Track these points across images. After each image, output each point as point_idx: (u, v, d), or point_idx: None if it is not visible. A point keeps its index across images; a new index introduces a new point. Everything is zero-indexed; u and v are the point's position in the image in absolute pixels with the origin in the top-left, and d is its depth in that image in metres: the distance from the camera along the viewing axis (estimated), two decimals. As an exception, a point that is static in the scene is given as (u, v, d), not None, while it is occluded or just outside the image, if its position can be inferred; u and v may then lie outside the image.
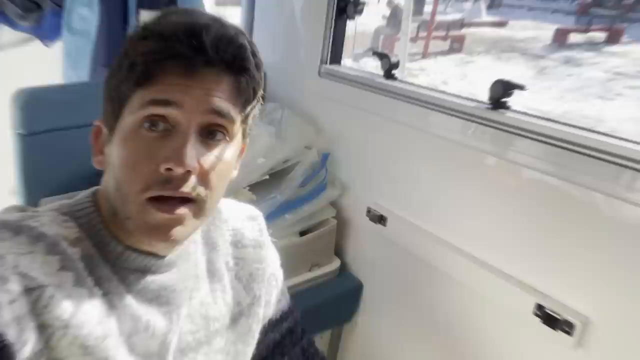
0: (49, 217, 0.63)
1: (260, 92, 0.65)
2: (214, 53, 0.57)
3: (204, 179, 0.60)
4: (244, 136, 0.67)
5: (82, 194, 0.69)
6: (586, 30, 11.50)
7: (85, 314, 0.59)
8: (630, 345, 0.88)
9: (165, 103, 0.57)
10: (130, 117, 0.58)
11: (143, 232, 0.61)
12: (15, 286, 0.54)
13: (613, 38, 11.21)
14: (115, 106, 0.61)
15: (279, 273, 0.88)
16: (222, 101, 0.59)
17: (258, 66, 0.62)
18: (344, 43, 1.52)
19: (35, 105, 1.25)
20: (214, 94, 0.58)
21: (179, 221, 0.60)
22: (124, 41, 0.60)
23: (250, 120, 0.66)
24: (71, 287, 0.59)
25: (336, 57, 1.50)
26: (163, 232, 0.60)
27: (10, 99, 1.23)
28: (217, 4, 1.93)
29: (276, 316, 0.88)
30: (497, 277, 1.05)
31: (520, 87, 1.06)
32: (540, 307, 0.97)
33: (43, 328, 0.56)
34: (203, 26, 0.57)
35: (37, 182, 1.29)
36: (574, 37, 11.22)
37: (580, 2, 13.06)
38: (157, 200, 0.59)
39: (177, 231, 0.60)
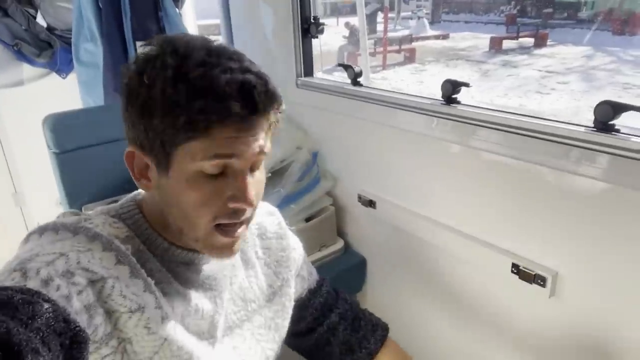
0: (100, 219, 0.64)
1: (282, 116, 0.65)
2: (263, 109, 0.58)
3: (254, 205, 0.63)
4: None
5: (125, 199, 0.70)
6: (516, 37, 11.79)
7: (144, 300, 0.60)
8: (592, 290, 0.91)
9: (228, 156, 0.58)
10: (193, 164, 0.57)
11: (210, 251, 0.65)
12: (80, 279, 0.55)
13: (540, 42, 11.52)
14: (164, 147, 0.58)
15: (303, 255, 0.92)
16: (264, 140, 0.61)
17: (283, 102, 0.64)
18: (314, 60, 1.55)
19: (62, 128, 1.27)
20: (260, 137, 0.60)
21: (238, 240, 0.64)
22: (162, 85, 0.56)
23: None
24: (128, 278, 0.59)
25: (308, 71, 1.54)
26: (228, 251, 0.64)
27: (41, 123, 1.24)
28: (199, 19, 1.92)
29: (313, 285, 0.92)
30: (477, 244, 1.08)
31: (466, 85, 1.10)
32: (516, 266, 1.00)
33: (110, 314, 0.57)
34: (250, 85, 0.56)
35: (75, 192, 1.31)
36: (507, 44, 11.48)
37: (507, 14, 13.36)
38: (221, 225, 0.61)
39: (236, 248, 0.65)
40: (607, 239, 0.86)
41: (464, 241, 1.11)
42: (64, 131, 1.29)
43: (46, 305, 0.47)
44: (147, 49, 0.60)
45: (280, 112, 0.63)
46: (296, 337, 0.91)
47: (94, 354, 0.55)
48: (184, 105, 0.55)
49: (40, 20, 1.88)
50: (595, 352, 0.93)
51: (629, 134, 0.82)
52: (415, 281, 1.31)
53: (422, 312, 1.32)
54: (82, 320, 0.52)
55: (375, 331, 0.92)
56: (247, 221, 0.64)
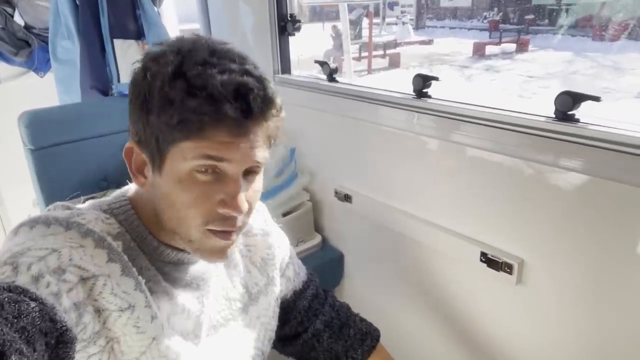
0: (92, 215, 0.63)
1: (282, 126, 0.65)
2: (259, 114, 0.57)
3: (247, 213, 0.62)
4: None
5: (116, 194, 0.69)
6: (499, 43, 11.95)
7: (134, 299, 0.60)
8: (555, 277, 0.94)
9: (219, 159, 0.57)
10: (184, 163, 0.57)
11: (202, 254, 0.64)
12: (71, 277, 0.55)
13: (521, 48, 11.71)
14: (158, 145, 0.58)
15: (291, 253, 0.90)
16: (261, 150, 0.60)
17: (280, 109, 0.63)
18: (298, 66, 1.56)
19: (38, 124, 1.27)
20: (256, 145, 0.59)
21: (232, 243, 0.64)
22: (161, 82, 0.56)
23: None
24: (119, 276, 0.59)
25: (286, 68, 1.55)
26: (221, 254, 0.64)
27: (17, 120, 1.24)
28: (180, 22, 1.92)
29: (298, 287, 0.90)
30: (449, 235, 1.10)
31: (436, 79, 1.12)
32: (484, 254, 1.02)
33: (99, 312, 0.57)
34: (247, 88, 0.55)
35: (51, 189, 1.30)
36: (490, 49, 11.64)
37: (490, 20, 13.57)
38: (214, 231, 0.61)
39: (230, 250, 0.65)
40: (572, 227, 0.89)
41: (437, 232, 1.13)
42: (40, 128, 1.28)
43: (33, 304, 0.46)
44: (157, 47, 0.60)
45: (279, 121, 0.62)
46: (283, 342, 0.90)
47: (81, 352, 0.55)
48: (178, 104, 0.54)
49: (18, 18, 1.87)
50: (560, 340, 0.96)
51: (588, 123, 0.84)
52: (392, 274, 1.33)
53: (399, 303, 1.33)
54: (70, 318, 0.52)
55: (364, 341, 0.90)
56: (241, 228, 0.64)
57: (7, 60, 1.89)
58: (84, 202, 0.70)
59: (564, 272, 0.91)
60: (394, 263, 1.31)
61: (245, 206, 0.59)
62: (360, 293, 1.48)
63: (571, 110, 0.86)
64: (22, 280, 0.50)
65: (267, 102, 0.58)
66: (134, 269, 0.61)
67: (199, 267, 0.71)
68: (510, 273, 0.98)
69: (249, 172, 0.61)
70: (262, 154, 0.60)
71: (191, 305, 0.69)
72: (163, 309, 0.64)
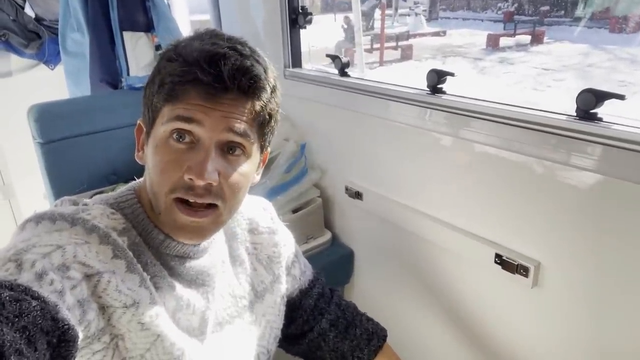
0: (98, 210, 0.62)
1: (277, 114, 0.65)
2: (231, 82, 0.57)
3: (219, 192, 0.60)
4: (264, 148, 0.68)
5: (125, 187, 0.69)
6: (513, 35, 11.77)
7: (139, 295, 0.59)
8: (572, 279, 0.90)
9: (189, 120, 0.57)
10: (161, 127, 0.59)
11: (172, 230, 0.63)
12: (76, 274, 0.54)
13: (536, 40, 11.50)
14: (149, 113, 0.61)
15: (297, 251, 0.89)
16: (239, 122, 0.59)
17: (274, 93, 0.63)
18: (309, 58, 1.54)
19: (47, 118, 1.26)
20: (232, 116, 0.58)
21: (200, 227, 0.61)
22: (158, 59, 0.62)
23: (268, 137, 0.66)
24: (124, 272, 0.59)
25: (297, 62, 1.52)
26: (191, 233, 0.62)
27: (26, 113, 1.23)
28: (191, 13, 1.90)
29: (304, 285, 0.89)
30: (463, 235, 1.07)
31: (451, 74, 1.08)
32: (499, 256, 1.00)
33: (104, 309, 0.56)
34: (222, 56, 0.56)
35: (60, 183, 1.30)
36: (504, 41, 11.47)
37: (504, 11, 13.37)
38: (183, 202, 0.60)
39: (201, 231, 0.62)
40: (590, 229, 0.85)
41: (449, 232, 1.10)
42: (49, 121, 1.28)
43: (34, 303, 0.46)
44: None
45: (272, 99, 0.62)
46: (289, 341, 0.89)
47: (85, 349, 0.55)
48: (162, 70, 0.59)
49: (28, 10, 1.87)
50: (576, 344, 0.93)
51: (611, 122, 0.81)
52: (403, 272, 1.30)
53: (409, 303, 1.31)
54: (74, 315, 0.51)
55: (370, 340, 0.88)
56: (212, 207, 0.61)
57: (18, 52, 1.90)
58: (91, 196, 0.69)
59: (583, 275, 0.88)
60: (405, 261, 1.28)
61: (212, 176, 0.57)
62: (370, 291, 1.46)
63: (594, 108, 0.82)
64: (26, 277, 0.49)
65: (243, 72, 0.57)
66: (139, 266, 0.60)
67: (204, 262, 0.69)
68: (526, 276, 0.95)
69: (230, 148, 0.60)
70: (239, 125, 0.59)
71: (196, 301, 0.68)
72: (168, 305, 0.64)
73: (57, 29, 1.69)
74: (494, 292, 1.06)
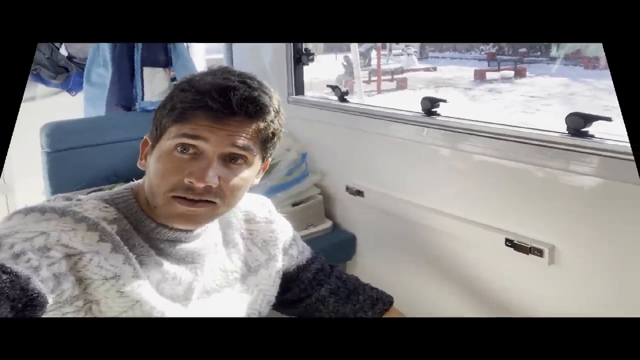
0: (91, 204, 0.62)
1: (280, 133, 0.66)
2: (239, 109, 0.58)
3: (219, 192, 0.60)
4: (265, 158, 0.68)
5: (121, 187, 0.69)
6: (498, 70, 11.94)
7: (121, 270, 0.58)
8: (590, 261, 0.86)
9: (195, 137, 0.58)
10: (167, 142, 0.60)
11: (167, 219, 0.62)
12: (56, 254, 0.53)
13: (519, 74, 11.69)
14: (157, 131, 0.63)
15: (294, 235, 0.86)
16: (243, 139, 0.60)
17: (277, 115, 0.64)
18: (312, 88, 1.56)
19: (57, 132, 1.27)
20: (236, 135, 0.59)
21: (195, 215, 0.61)
22: (171, 90, 0.64)
23: (270, 150, 0.67)
24: (109, 253, 0.58)
25: (300, 90, 1.57)
26: (184, 219, 0.61)
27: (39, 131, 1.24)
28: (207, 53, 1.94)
29: (302, 262, 0.85)
30: (469, 224, 1.03)
31: (443, 101, 1.09)
32: (509, 241, 0.95)
33: (81, 280, 0.55)
34: (232, 88, 0.58)
35: (62, 184, 1.27)
36: (490, 75, 11.63)
37: (487, 52, 13.73)
38: (180, 198, 0.59)
39: (195, 219, 0.62)
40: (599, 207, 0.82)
41: (457, 223, 1.05)
42: (61, 135, 1.28)
43: (4, 277, 0.46)
44: None
45: (275, 121, 0.63)
46: (284, 306, 0.85)
47: (54, 312, 0.53)
48: (174, 98, 0.61)
49: (63, 50, 1.90)
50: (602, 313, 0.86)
51: (603, 138, 0.80)
52: (406, 258, 1.23)
53: (414, 286, 1.21)
54: (47, 286, 0.50)
55: (375, 305, 0.83)
56: (208, 201, 0.60)
57: (45, 83, 1.91)
58: (87, 194, 0.68)
59: (599, 251, 0.84)
60: (411, 247, 1.20)
61: (212, 180, 0.58)
62: (372, 268, 1.34)
63: (583, 128, 0.82)
64: (2, 256, 0.49)
65: (251, 103, 0.59)
66: (126, 247, 0.59)
67: (196, 245, 0.68)
68: (541, 256, 0.90)
69: (233, 158, 0.60)
70: (242, 141, 0.60)
71: (183, 274, 0.66)
72: (152, 278, 0.62)
73: (84, 64, 1.71)
74: (508, 271, 1.00)
